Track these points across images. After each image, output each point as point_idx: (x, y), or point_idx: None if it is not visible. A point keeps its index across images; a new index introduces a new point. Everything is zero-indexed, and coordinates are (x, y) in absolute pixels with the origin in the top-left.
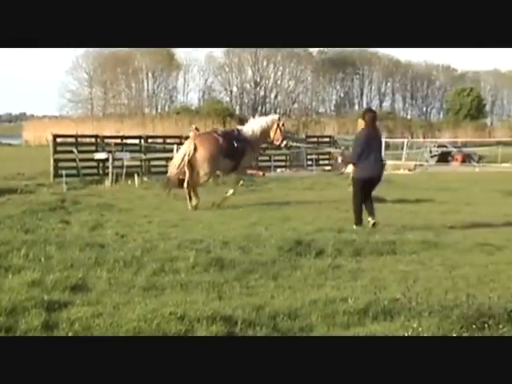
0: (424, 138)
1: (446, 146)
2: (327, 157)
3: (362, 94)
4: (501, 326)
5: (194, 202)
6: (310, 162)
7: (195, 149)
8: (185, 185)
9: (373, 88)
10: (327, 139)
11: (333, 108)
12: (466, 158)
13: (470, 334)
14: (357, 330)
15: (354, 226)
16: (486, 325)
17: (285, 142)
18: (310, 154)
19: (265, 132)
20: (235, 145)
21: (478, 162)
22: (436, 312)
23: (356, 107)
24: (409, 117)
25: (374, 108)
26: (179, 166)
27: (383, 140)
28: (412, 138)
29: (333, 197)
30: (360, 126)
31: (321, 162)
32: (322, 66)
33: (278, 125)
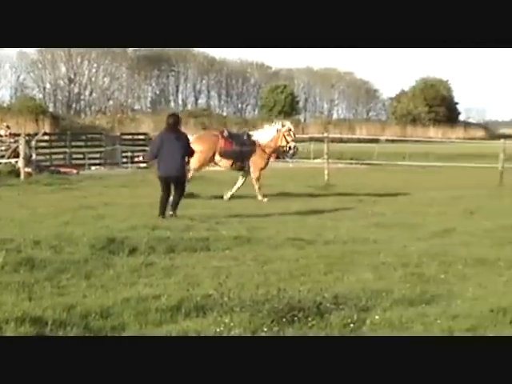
0: None
1: None
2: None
3: (177, 91)
4: (310, 319)
5: None
6: (125, 160)
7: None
8: None
9: (188, 85)
10: (142, 136)
11: (148, 105)
12: (279, 154)
13: (280, 327)
14: (169, 327)
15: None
16: (296, 318)
17: (291, 148)
18: (125, 152)
19: (274, 138)
20: (240, 148)
21: (291, 157)
22: (247, 307)
23: (172, 104)
24: (224, 113)
25: (189, 105)
26: None
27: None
28: None
29: (147, 194)
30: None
31: (136, 160)
32: (138, 63)
33: (283, 133)
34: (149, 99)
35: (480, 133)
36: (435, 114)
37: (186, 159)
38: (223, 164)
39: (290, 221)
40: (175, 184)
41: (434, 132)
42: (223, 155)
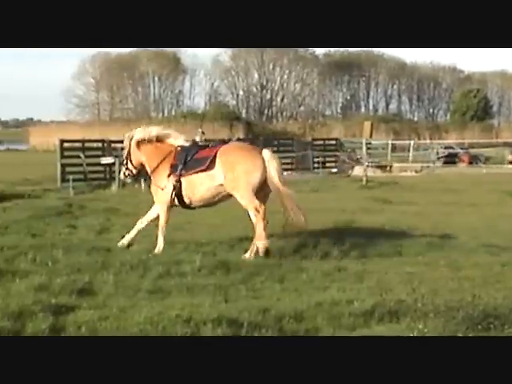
0: (431, 139)
1: (452, 148)
2: (334, 159)
3: (368, 97)
4: (506, 327)
5: None
6: (316, 165)
7: None
8: None
9: (379, 90)
10: (334, 142)
11: (339, 110)
12: (473, 160)
13: (474, 334)
14: (362, 331)
15: None
16: (492, 325)
17: None
18: (317, 157)
19: None
20: None
21: (484, 163)
22: (442, 313)
23: (362, 110)
24: (415, 119)
25: (379, 110)
26: None
27: (389, 142)
28: (419, 139)
29: (333, 197)
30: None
31: (327, 165)
32: (329, 69)
33: None
34: (339, 105)
35: None
36: None
37: None
38: None
39: (482, 227)
40: None
41: None
42: None
